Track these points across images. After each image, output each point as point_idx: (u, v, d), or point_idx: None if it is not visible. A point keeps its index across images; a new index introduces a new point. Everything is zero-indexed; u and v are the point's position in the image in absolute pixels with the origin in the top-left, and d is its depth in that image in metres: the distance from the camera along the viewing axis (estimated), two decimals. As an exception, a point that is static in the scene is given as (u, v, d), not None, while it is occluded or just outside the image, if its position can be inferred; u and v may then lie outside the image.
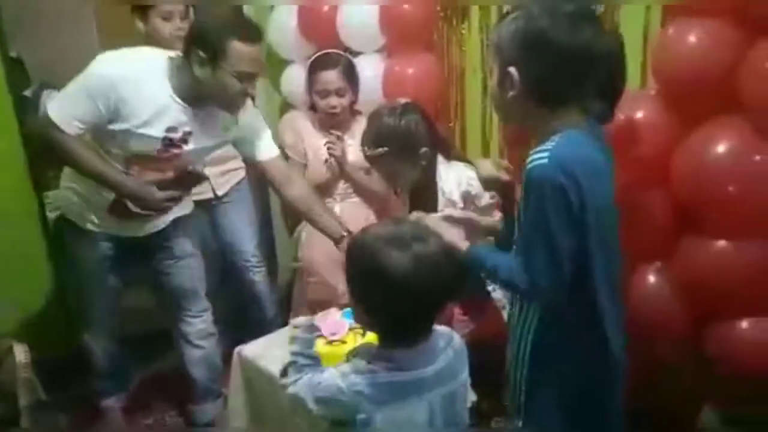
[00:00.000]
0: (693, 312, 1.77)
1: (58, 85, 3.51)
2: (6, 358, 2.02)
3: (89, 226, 2.04)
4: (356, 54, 2.56)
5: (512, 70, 1.23)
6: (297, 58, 2.80)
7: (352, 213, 2.35)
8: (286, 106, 3.03)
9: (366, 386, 1.15)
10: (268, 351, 1.91)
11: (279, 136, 2.85)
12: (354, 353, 1.22)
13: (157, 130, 1.83)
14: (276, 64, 3.00)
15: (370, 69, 2.51)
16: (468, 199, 1.87)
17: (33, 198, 2.55)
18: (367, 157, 1.94)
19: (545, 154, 1.21)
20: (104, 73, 1.77)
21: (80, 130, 1.81)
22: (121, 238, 2.07)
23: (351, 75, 2.34)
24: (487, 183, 1.59)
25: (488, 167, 1.57)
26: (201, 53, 1.74)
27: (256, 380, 1.89)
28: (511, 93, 1.25)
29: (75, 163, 1.89)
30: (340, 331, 1.73)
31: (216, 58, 1.73)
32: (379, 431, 1.16)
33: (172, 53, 1.84)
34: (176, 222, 2.15)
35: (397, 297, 1.12)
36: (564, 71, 1.22)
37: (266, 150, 2.03)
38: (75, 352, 2.28)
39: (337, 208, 2.39)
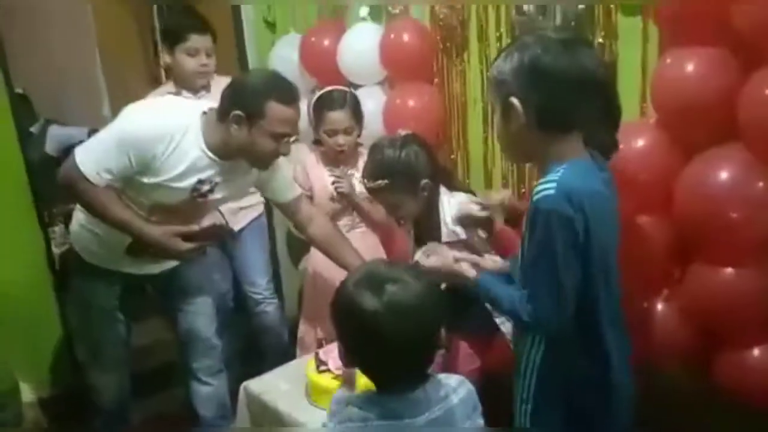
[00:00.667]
0: (700, 341, 1.76)
1: (62, 120, 3.60)
2: (12, 397, 2.01)
3: (103, 264, 2.03)
4: (357, 87, 2.59)
5: (514, 100, 1.25)
6: (300, 92, 2.83)
7: (359, 244, 2.35)
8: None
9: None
10: (274, 386, 1.91)
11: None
12: (350, 401, 1.19)
13: (188, 183, 1.84)
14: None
15: (372, 101, 2.54)
16: (467, 222, 1.87)
17: (39, 233, 2.56)
18: (368, 189, 1.95)
19: (552, 185, 1.21)
20: (136, 128, 1.77)
21: (108, 181, 1.80)
22: (133, 276, 2.07)
23: (357, 112, 2.37)
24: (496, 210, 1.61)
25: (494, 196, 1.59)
26: (239, 112, 1.75)
27: (262, 416, 1.88)
28: (515, 124, 1.26)
29: (100, 212, 1.86)
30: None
31: (253, 118, 1.74)
32: None
33: (205, 107, 1.85)
34: (189, 261, 2.14)
35: (370, 340, 1.11)
36: (564, 95, 1.24)
37: (289, 191, 2.06)
38: (81, 390, 2.27)
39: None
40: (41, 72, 3.35)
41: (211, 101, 2.34)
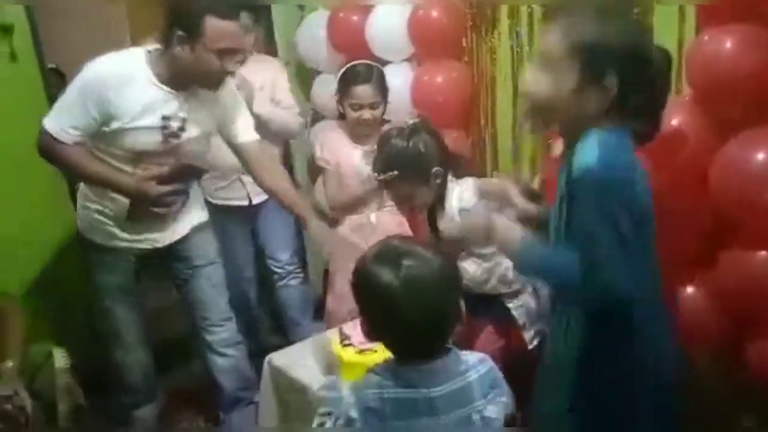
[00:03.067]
0: (733, 323, 1.72)
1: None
2: (45, 363, 2.06)
3: (111, 243, 2.07)
4: (385, 63, 2.57)
5: (611, 79, 1.17)
6: (327, 69, 2.82)
7: (387, 221, 2.36)
8: (316, 116, 3.06)
9: (375, 401, 1.15)
10: (298, 360, 1.93)
11: (310, 146, 2.89)
12: (371, 369, 1.20)
13: (152, 121, 1.88)
14: (306, 75, 3.03)
15: (399, 78, 2.52)
16: (464, 215, 1.85)
17: (70, 205, 2.61)
18: (379, 182, 1.92)
19: (593, 158, 1.16)
20: (89, 78, 1.83)
21: (77, 137, 1.86)
22: (142, 251, 2.10)
23: (383, 87, 2.35)
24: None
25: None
26: (179, 32, 1.78)
27: (287, 390, 1.90)
28: (594, 107, 1.19)
29: (74, 169, 1.94)
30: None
31: (193, 36, 1.78)
32: None
33: (150, 47, 1.89)
34: (194, 230, 2.18)
35: (389, 313, 1.12)
36: (649, 81, 1.20)
37: (244, 133, 2.08)
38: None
39: (373, 217, 2.40)
40: (74, 47, 3.39)
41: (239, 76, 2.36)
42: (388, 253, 1.15)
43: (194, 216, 2.17)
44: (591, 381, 1.30)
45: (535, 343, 1.94)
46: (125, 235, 2.06)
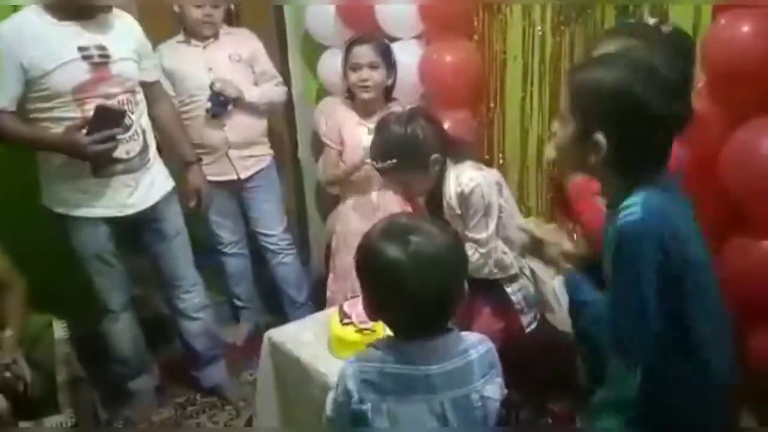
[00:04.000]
0: (738, 318, 1.70)
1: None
2: (45, 334, 2.07)
3: (79, 212, 2.08)
4: (394, 40, 2.53)
5: (600, 137, 1.15)
6: (334, 44, 2.78)
7: (388, 200, 2.33)
8: (322, 92, 3.03)
9: (374, 374, 1.16)
10: (297, 336, 1.92)
11: (315, 122, 2.87)
12: (372, 344, 1.22)
13: (70, 54, 1.92)
14: (313, 50, 2.99)
15: (408, 55, 2.48)
16: (461, 200, 1.84)
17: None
18: (378, 170, 1.90)
19: (636, 208, 1.14)
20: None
21: (6, 104, 1.91)
22: (110, 220, 2.12)
23: (386, 54, 2.31)
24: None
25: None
26: None
27: (285, 365, 1.90)
28: (592, 157, 1.17)
29: (9, 137, 1.96)
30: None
31: None
32: (386, 424, 1.15)
33: None
34: (162, 200, 2.20)
35: (392, 289, 1.12)
36: (656, 138, 1.17)
37: (148, 73, 2.18)
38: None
39: (375, 196, 2.37)
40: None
41: (217, 49, 2.52)
42: (394, 229, 1.15)
43: (160, 184, 2.19)
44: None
45: (532, 327, 1.94)
46: (92, 202, 2.07)
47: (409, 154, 1.80)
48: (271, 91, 2.67)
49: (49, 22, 1.93)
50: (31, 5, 1.95)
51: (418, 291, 1.10)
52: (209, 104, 2.49)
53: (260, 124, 2.67)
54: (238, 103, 2.52)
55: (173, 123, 2.31)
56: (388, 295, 1.14)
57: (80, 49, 1.94)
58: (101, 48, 1.98)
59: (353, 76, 2.28)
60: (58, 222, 2.13)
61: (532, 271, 1.94)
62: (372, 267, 1.16)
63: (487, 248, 1.85)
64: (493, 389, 1.20)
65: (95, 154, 1.95)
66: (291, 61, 3.08)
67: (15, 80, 1.89)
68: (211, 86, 2.47)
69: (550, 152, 1.54)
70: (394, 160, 1.81)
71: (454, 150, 1.89)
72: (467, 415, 1.17)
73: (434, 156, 1.81)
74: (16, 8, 2.08)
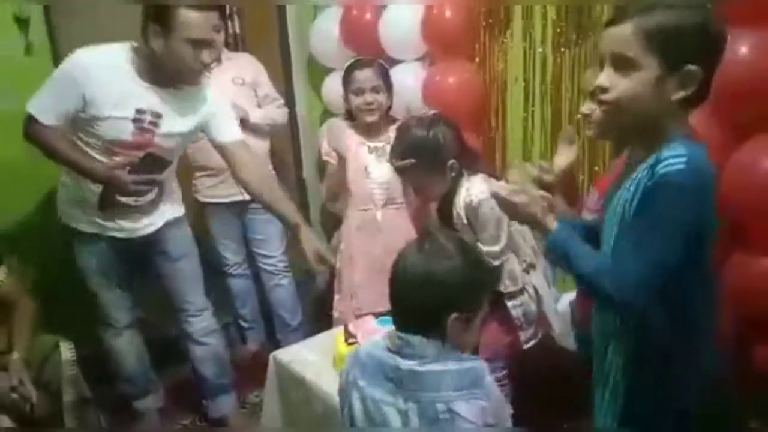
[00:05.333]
0: (741, 328, 1.70)
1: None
2: (52, 355, 2.08)
3: (87, 228, 2.11)
4: (397, 62, 2.57)
5: (694, 68, 1.14)
6: (338, 66, 2.82)
7: (392, 219, 2.35)
8: (327, 114, 3.06)
9: (364, 353, 1.26)
10: (302, 356, 1.93)
11: (319, 143, 2.90)
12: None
13: (125, 113, 1.92)
14: (317, 72, 3.03)
15: (411, 77, 2.51)
16: (469, 211, 1.86)
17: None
18: (395, 169, 1.95)
19: (682, 159, 1.13)
20: (72, 66, 1.89)
21: (56, 121, 1.92)
22: (117, 241, 2.13)
23: (385, 76, 2.34)
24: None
25: (515, 176, 1.53)
26: (154, 25, 1.82)
27: (291, 385, 1.90)
28: (681, 92, 1.16)
29: (51, 151, 1.97)
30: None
31: (167, 28, 1.81)
32: (357, 402, 1.24)
33: (135, 43, 1.93)
34: (169, 224, 2.20)
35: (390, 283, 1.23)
36: (716, 67, 1.17)
37: (228, 133, 2.10)
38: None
39: (378, 215, 2.39)
40: (88, 42, 3.41)
41: (220, 73, 2.44)
42: (424, 234, 1.25)
43: (169, 210, 2.20)
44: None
45: (531, 343, 1.95)
46: (99, 222, 2.09)
47: (428, 156, 1.85)
48: (274, 112, 2.71)
49: (128, 73, 1.91)
50: (128, 53, 1.92)
51: (401, 293, 1.20)
52: None
53: (263, 145, 2.70)
54: (243, 124, 2.55)
55: (264, 187, 2.11)
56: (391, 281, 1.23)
57: (137, 111, 1.93)
58: (156, 116, 1.96)
59: (357, 100, 2.32)
60: (67, 234, 2.15)
61: (535, 289, 1.95)
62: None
63: (501, 261, 1.87)
64: (466, 408, 1.16)
65: (133, 192, 2.00)
66: (295, 83, 3.13)
67: (71, 105, 1.89)
68: None
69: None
70: (413, 160, 1.85)
71: (470, 160, 1.93)
72: (431, 423, 1.16)
73: (451, 161, 1.85)
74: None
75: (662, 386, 1.25)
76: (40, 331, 2.09)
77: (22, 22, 2.43)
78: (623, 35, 1.17)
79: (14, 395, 1.90)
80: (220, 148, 2.11)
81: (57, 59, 2.55)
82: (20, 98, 2.09)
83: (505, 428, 1.22)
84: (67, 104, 1.89)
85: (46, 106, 1.91)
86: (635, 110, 1.20)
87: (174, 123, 1.99)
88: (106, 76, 1.88)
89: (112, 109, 1.90)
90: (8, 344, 2.00)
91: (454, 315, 1.17)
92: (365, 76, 2.29)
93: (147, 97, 1.93)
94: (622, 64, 1.18)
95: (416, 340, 1.19)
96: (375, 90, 2.29)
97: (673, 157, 1.14)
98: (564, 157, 1.97)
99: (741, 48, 1.59)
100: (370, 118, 2.31)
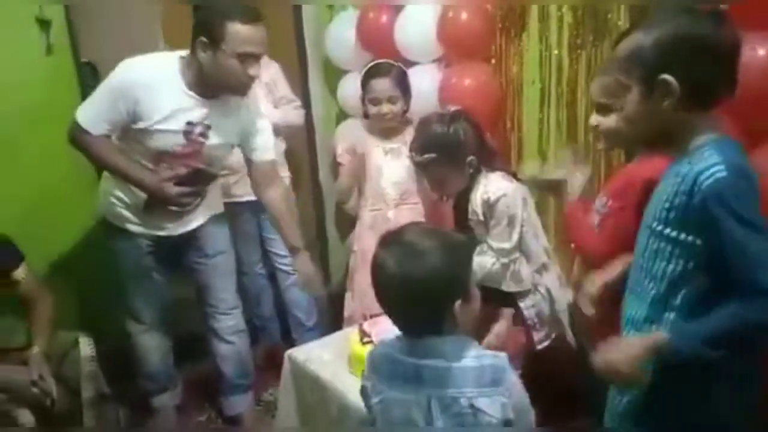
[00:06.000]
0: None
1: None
2: (71, 351, 2.11)
3: (128, 226, 2.14)
4: (413, 64, 2.58)
5: (667, 77, 1.17)
6: (354, 68, 2.84)
7: (404, 219, 2.36)
8: (342, 115, 3.08)
9: (380, 357, 1.28)
10: (316, 355, 1.94)
11: (334, 145, 2.92)
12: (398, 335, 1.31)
13: (176, 125, 1.94)
14: (333, 74, 3.05)
15: (427, 79, 2.52)
16: (486, 208, 1.88)
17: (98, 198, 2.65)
18: (415, 163, 1.97)
19: (720, 166, 1.14)
20: (123, 78, 1.91)
21: (105, 131, 1.95)
22: (157, 237, 2.16)
23: (403, 83, 2.36)
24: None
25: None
26: (203, 39, 1.84)
27: (306, 384, 1.92)
28: (666, 102, 1.19)
29: (99, 160, 2.01)
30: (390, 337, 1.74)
31: (216, 41, 1.83)
32: (378, 405, 1.25)
33: (184, 53, 1.95)
34: (208, 221, 2.23)
35: (376, 290, 1.23)
36: (718, 68, 1.18)
37: (261, 152, 2.13)
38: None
39: (390, 214, 2.41)
40: (108, 43, 3.45)
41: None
42: (391, 237, 1.24)
43: (210, 208, 2.23)
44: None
45: (544, 344, 1.95)
46: (143, 221, 2.13)
47: (449, 151, 1.87)
48: (291, 113, 2.73)
49: (180, 87, 1.93)
50: (178, 64, 1.93)
51: (392, 297, 1.21)
52: None
53: (280, 146, 2.72)
54: None
55: (282, 211, 2.18)
56: (378, 295, 1.24)
57: (187, 123, 1.95)
58: (206, 127, 1.98)
59: (373, 109, 2.34)
60: (105, 228, 2.19)
61: (548, 289, 1.95)
62: (371, 268, 1.25)
63: (509, 259, 1.87)
64: (488, 403, 1.17)
65: (179, 203, 2.04)
66: (311, 85, 3.15)
67: (121, 117, 1.91)
68: None
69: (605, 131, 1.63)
70: (433, 155, 1.87)
71: (489, 158, 1.95)
72: (454, 418, 1.18)
73: (471, 158, 1.87)
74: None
75: (699, 396, 1.22)
76: (60, 326, 2.12)
77: (44, 24, 2.47)
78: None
79: (35, 390, 1.94)
80: (252, 164, 2.14)
81: (77, 60, 2.60)
82: (39, 95, 2.12)
83: (524, 427, 1.23)
84: (116, 116, 1.91)
85: (95, 116, 1.93)
86: (635, 127, 1.26)
87: (221, 134, 2.02)
88: (158, 90, 1.90)
89: (162, 122, 1.92)
90: (28, 340, 2.04)
91: (456, 303, 1.19)
92: (381, 87, 2.31)
93: (197, 110, 1.95)
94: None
95: (437, 343, 1.20)
96: (391, 101, 2.32)
97: (711, 167, 1.14)
98: (578, 177, 1.95)
99: (754, 53, 1.58)
100: (385, 125, 2.35)
